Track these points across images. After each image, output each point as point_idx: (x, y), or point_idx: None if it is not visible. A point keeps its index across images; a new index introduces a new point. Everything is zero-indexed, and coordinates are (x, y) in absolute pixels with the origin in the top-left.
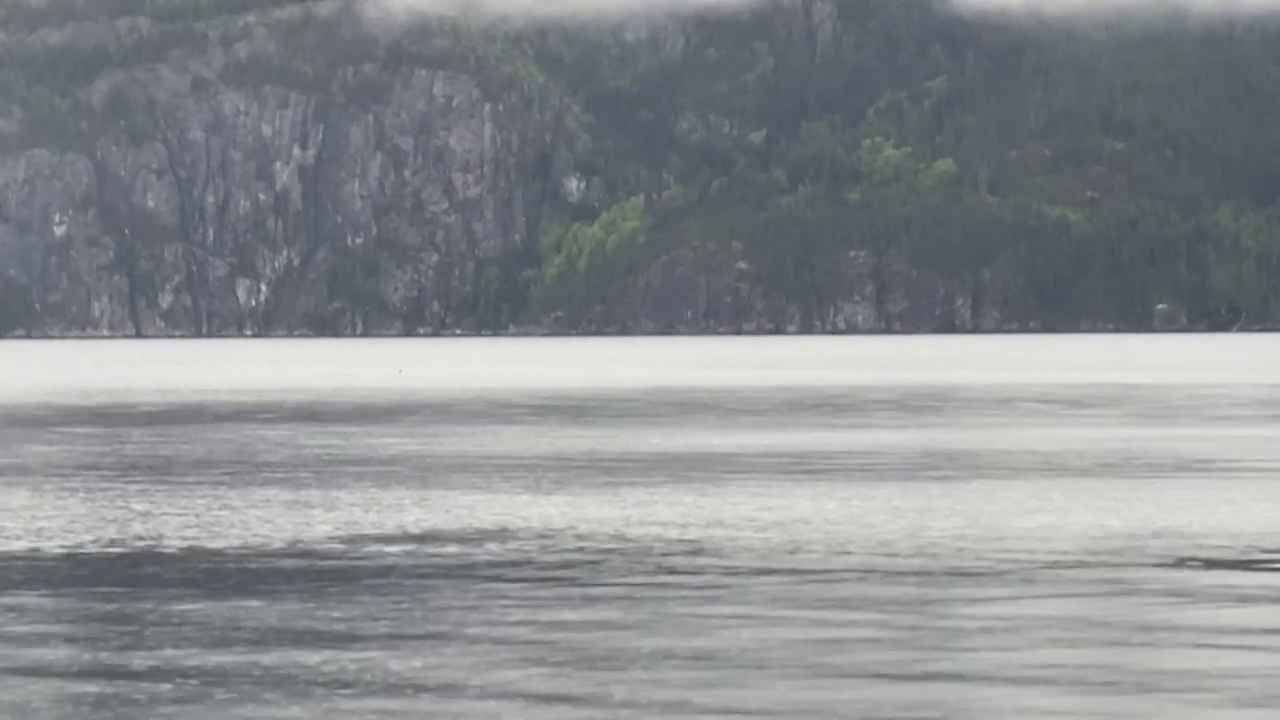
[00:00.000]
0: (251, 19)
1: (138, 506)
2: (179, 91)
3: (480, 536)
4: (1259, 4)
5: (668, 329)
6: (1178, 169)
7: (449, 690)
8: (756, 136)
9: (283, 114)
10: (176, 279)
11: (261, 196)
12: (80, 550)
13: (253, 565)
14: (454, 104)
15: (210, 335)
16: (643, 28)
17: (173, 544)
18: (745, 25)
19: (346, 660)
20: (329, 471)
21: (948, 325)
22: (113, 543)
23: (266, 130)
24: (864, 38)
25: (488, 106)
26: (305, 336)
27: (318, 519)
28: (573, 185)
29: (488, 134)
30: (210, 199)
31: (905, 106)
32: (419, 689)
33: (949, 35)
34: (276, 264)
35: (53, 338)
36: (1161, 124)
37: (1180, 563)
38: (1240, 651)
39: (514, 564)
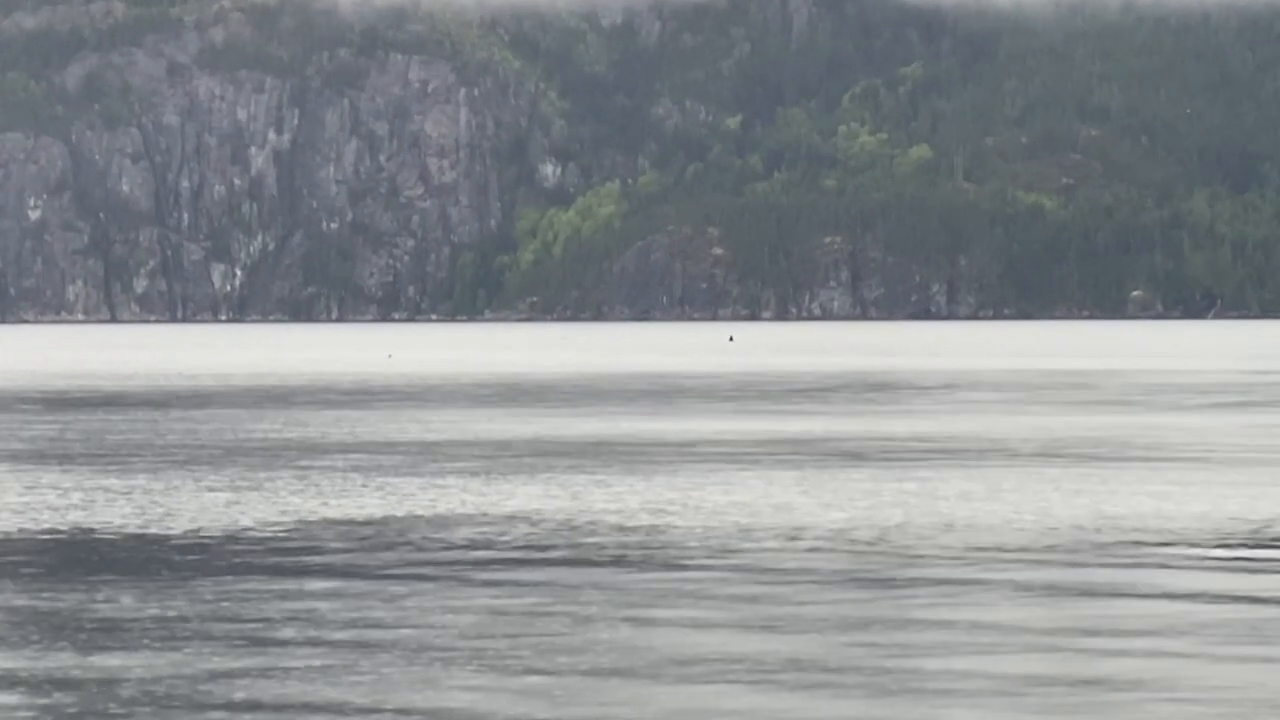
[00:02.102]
0: (226, 3)
1: (78, 493)
2: (154, 76)
3: (430, 524)
4: None
5: (643, 315)
6: (1153, 156)
7: (399, 679)
8: (732, 122)
9: (258, 99)
10: (151, 263)
11: (237, 181)
12: (18, 537)
13: (195, 553)
14: (429, 89)
15: (185, 320)
16: (618, 13)
17: (114, 530)
18: (721, 11)
19: (290, 649)
20: (283, 457)
21: (923, 311)
22: (53, 529)
23: (241, 115)
24: (840, 24)
25: (463, 92)
26: (280, 321)
27: (262, 505)
28: (548, 171)
29: (463, 119)
30: (185, 183)
31: (881, 93)
32: (375, 679)
33: (925, 22)
34: (252, 249)
35: (27, 322)
36: (1137, 111)
37: (1128, 551)
38: (1190, 640)
39: (466, 552)
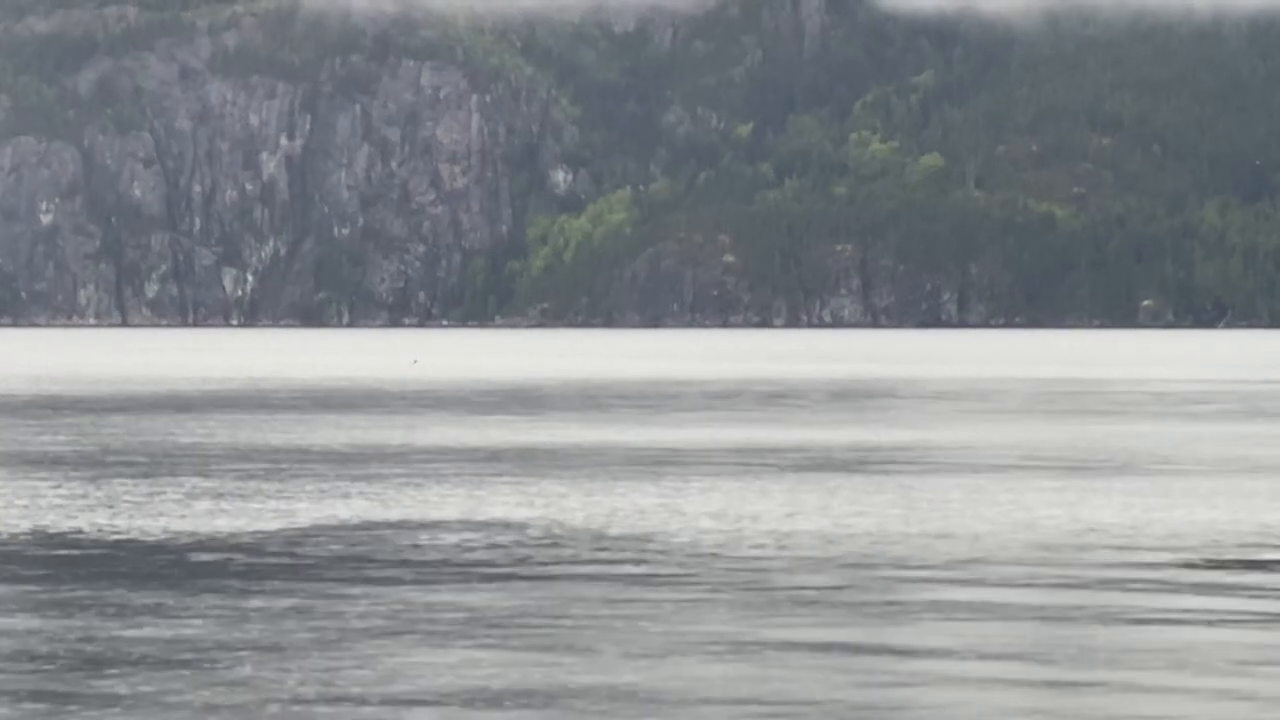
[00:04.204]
0: (239, 8)
1: (55, 497)
2: (166, 80)
3: (414, 528)
4: (1247, 0)
5: (654, 322)
6: (1164, 165)
7: (380, 683)
8: (744, 130)
9: (270, 104)
10: (163, 268)
11: (248, 186)
12: (5, 541)
13: (177, 558)
14: (441, 95)
15: (196, 325)
16: (630, 20)
17: (97, 536)
18: (733, 19)
19: (262, 654)
20: (264, 462)
21: (934, 320)
22: (43, 534)
23: (254, 120)
24: (851, 32)
25: (475, 98)
26: (291, 327)
27: (238, 510)
28: (559, 177)
29: (475, 125)
30: (197, 188)
31: (892, 101)
32: (351, 686)
33: (936, 30)
34: (263, 254)
35: (39, 326)
36: (1149, 120)
37: (1113, 561)
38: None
39: (449, 559)
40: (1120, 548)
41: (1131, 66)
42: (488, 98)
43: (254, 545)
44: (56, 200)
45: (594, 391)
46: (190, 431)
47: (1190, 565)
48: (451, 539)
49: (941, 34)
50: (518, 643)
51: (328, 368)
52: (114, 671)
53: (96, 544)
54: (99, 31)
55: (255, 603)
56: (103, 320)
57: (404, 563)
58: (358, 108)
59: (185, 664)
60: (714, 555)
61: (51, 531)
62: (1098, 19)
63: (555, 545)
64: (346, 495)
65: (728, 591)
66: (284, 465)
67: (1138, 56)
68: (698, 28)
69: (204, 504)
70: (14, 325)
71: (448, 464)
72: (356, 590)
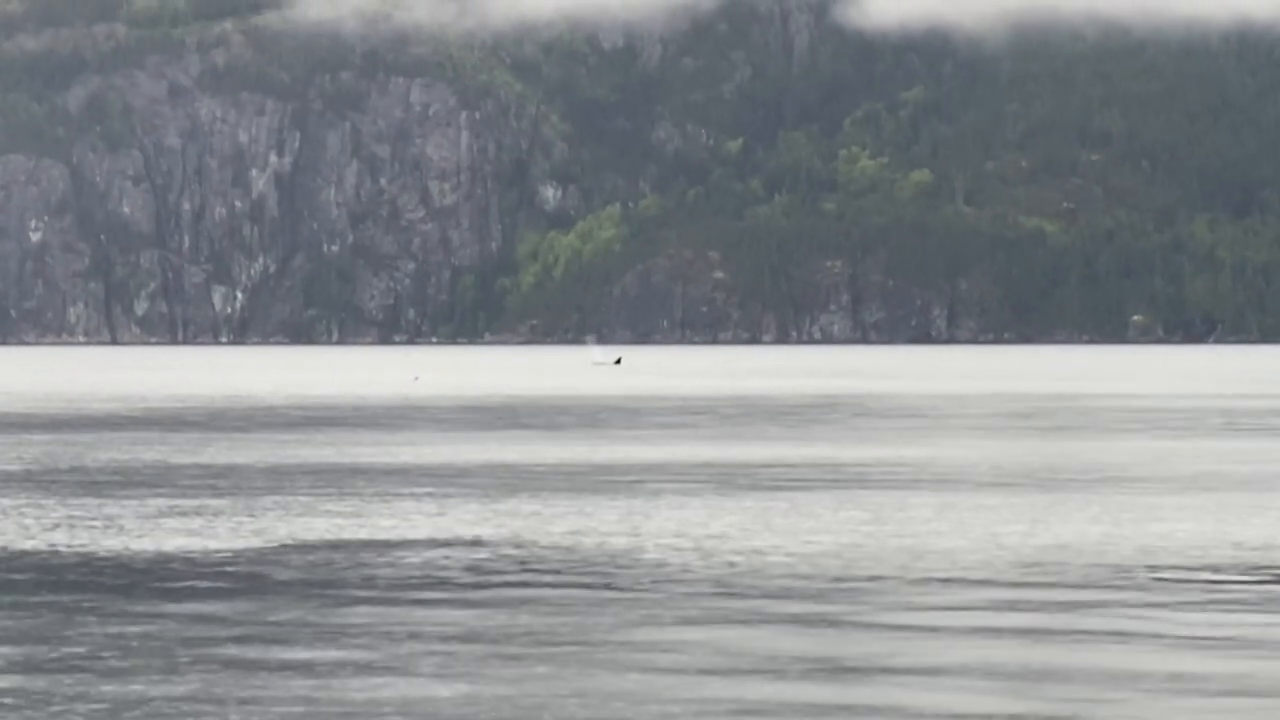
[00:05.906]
0: (228, 26)
1: (19, 516)
2: (156, 98)
3: (383, 546)
4: (1235, 15)
5: (644, 338)
6: (1154, 180)
7: (343, 704)
8: (733, 146)
9: (259, 121)
10: (152, 285)
11: (238, 203)
12: None
13: (154, 575)
14: (431, 112)
15: (186, 342)
16: (620, 36)
17: (59, 553)
18: (722, 35)
19: (245, 672)
20: (245, 480)
21: (924, 336)
22: (23, 551)
23: (243, 137)
24: (841, 48)
25: (464, 114)
26: (281, 344)
27: (205, 529)
28: (549, 194)
29: (464, 142)
30: (186, 206)
31: (882, 117)
32: (319, 704)
33: (926, 46)
34: (252, 271)
35: (28, 344)
36: (1138, 135)
37: (1083, 580)
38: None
39: (418, 577)
40: (1093, 564)
41: (1120, 82)
42: (477, 114)
43: (220, 563)
44: (46, 218)
45: (574, 407)
46: (158, 450)
47: (1163, 582)
48: (419, 557)
49: (931, 50)
50: (484, 664)
51: (321, 385)
52: (79, 688)
53: (62, 563)
54: (88, 49)
55: (221, 620)
56: (92, 338)
57: (372, 581)
58: (347, 124)
59: (151, 681)
60: (682, 574)
61: (14, 550)
62: (1086, 35)
63: (524, 563)
64: (314, 513)
65: (694, 611)
66: (257, 483)
67: (1126, 72)
68: (687, 44)
69: (171, 522)
70: (2, 343)
71: (431, 482)
72: (324, 609)
